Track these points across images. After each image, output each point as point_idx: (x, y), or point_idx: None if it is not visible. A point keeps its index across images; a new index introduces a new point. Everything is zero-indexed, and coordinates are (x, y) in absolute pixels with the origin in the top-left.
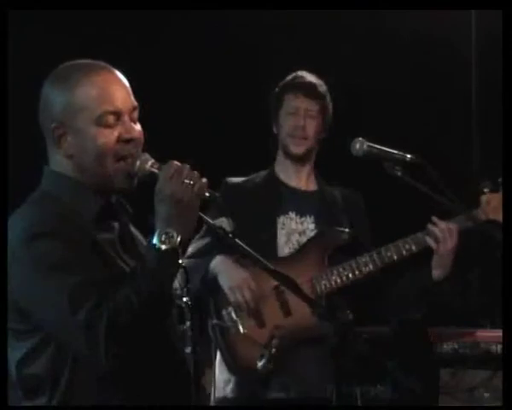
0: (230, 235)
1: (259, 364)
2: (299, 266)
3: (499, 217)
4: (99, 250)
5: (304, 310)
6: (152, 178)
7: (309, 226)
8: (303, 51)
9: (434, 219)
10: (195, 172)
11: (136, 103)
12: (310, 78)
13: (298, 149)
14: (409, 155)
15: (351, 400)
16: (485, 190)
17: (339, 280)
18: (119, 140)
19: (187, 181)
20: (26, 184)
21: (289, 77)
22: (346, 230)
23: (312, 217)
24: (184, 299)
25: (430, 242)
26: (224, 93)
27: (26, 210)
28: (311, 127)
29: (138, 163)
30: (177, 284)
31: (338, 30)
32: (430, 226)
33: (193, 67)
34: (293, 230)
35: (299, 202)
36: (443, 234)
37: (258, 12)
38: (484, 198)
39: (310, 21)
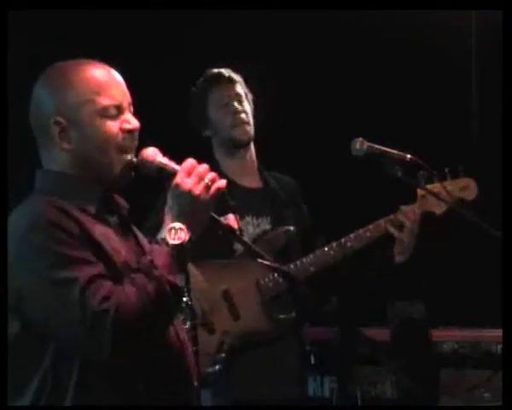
0: (238, 232)
1: (210, 370)
2: (244, 268)
3: (434, 209)
4: (100, 245)
5: (252, 314)
6: (159, 173)
7: (266, 228)
8: (303, 51)
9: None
10: (214, 173)
11: (130, 99)
12: (221, 70)
13: (244, 136)
14: (409, 155)
15: (351, 400)
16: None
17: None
18: (122, 130)
19: (206, 180)
20: (25, 185)
21: (204, 76)
22: (291, 228)
23: (268, 217)
24: (184, 299)
25: (391, 229)
26: None
27: (23, 208)
28: (249, 111)
29: (145, 156)
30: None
31: (338, 29)
32: (396, 215)
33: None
34: (251, 235)
35: (252, 203)
36: (409, 221)
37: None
38: (420, 192)
39: (310, 19)
